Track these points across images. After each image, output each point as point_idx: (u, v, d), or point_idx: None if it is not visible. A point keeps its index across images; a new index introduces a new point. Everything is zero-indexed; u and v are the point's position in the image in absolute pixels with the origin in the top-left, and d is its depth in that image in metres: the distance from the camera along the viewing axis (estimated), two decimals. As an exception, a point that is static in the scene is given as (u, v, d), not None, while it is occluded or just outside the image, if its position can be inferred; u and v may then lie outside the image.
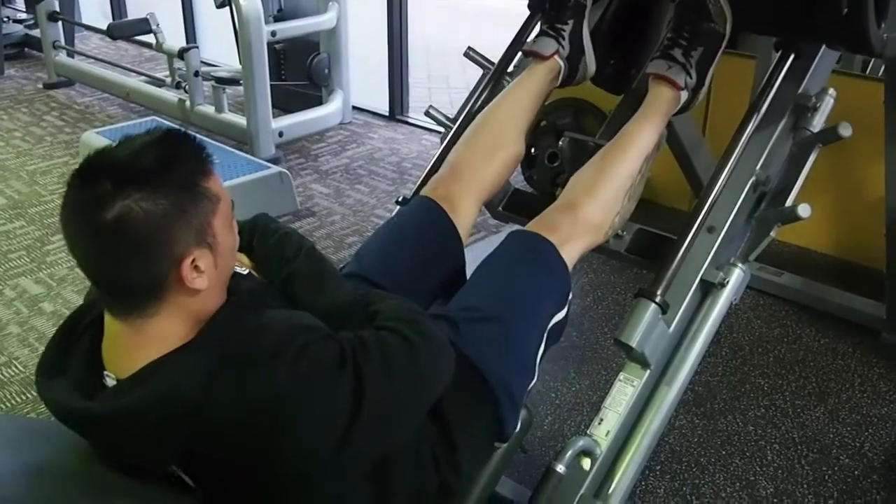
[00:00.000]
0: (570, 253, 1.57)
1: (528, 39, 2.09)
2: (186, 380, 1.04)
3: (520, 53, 2.10)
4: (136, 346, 1.09)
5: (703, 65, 1.70)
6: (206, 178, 1.10)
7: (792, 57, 1.69)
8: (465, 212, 1.70)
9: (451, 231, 1.67)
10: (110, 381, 1.10)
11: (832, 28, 1.56)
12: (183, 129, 1.14)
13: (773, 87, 1.68)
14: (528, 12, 2.09)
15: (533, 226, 1.62)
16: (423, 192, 1.73)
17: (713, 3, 1.62)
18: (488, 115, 1.84)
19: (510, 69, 2.10)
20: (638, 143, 1.67)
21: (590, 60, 1.85)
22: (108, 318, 1.12)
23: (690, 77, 1.70)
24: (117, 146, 1.08)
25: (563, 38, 1.82)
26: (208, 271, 1.09)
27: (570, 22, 1.81)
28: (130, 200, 1.01)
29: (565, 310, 1.56)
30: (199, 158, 1.11)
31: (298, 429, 1.06)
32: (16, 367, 2.58)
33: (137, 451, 1.08)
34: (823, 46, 1.72)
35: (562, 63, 1.83)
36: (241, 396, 1.04)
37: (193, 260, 1.07)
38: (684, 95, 1.72)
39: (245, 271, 1.31)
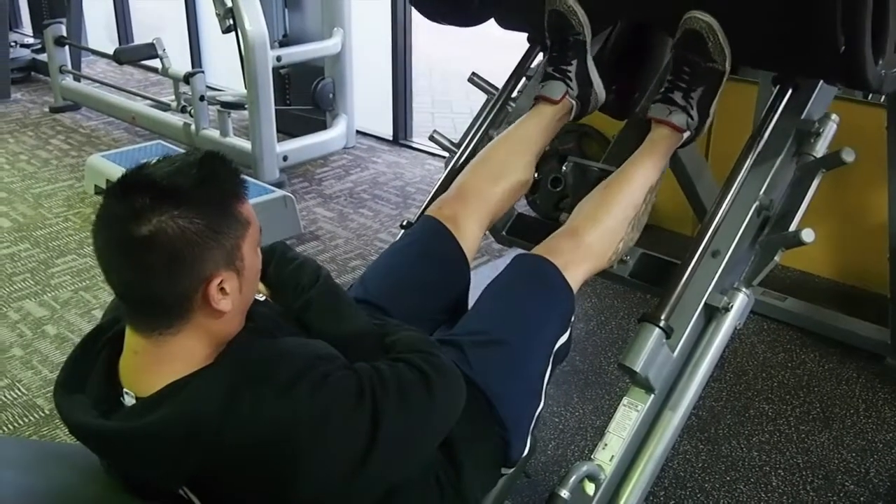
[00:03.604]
0: (574, 276, 1.58)
1: (534, 66, 2.12)
2: (205, 403, 1.05)
3: (524, 79, 2.12)
4: (156, 363, 1.09)
5: (704, 103, 1.71)
6: (239, 202, 1.12)
7: (790, 91, 1.70)
8: (469, 233, 1.71)
9: (458, 255, 1.67)
10: (129, 400, 1.11)
11: (829, 64, 1.56)
12: (221, 153, 1.15)
13: (772, 119, 1.69)
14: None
15: (537, 250, 1.62)
16: (429, 212, 1.74)
17: (712, 42, 1.62)
18: (499, 142, 1.86)
19: (514, 94, 2.12)
20: (640, 175, 1.70)
21: (599, 90, 1.86)
22: (129, 334, 1.12)
23: (692, 118, 1.72)
24: (157, 163, 1.10)
25: (571, 79, 1.83)
26: (233, 294, 1.10)
27: (574, 61, 1.82)
28: (167, 216, 1.03)
29: (568, 332, 1.56)
30: (235, 182, 1.13)
31: (314, 457, 1.07)
32: (19, 389, 2.58)
33: (150, 471, 1.09)
34: (821, 81, 1.73)
35: (573, 102, 1.86)
36: (259, 422, 1.04)
37: (221, 281, 1.08)
38: (687, 134, 1.74)
39: (262, 298, 1.32)
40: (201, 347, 1.11)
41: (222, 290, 1.08)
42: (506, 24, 2.11)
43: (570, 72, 1.83)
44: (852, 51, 1.46)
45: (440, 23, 2.22)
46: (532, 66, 2.13)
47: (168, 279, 1.05)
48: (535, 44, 2.10)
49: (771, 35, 1.66)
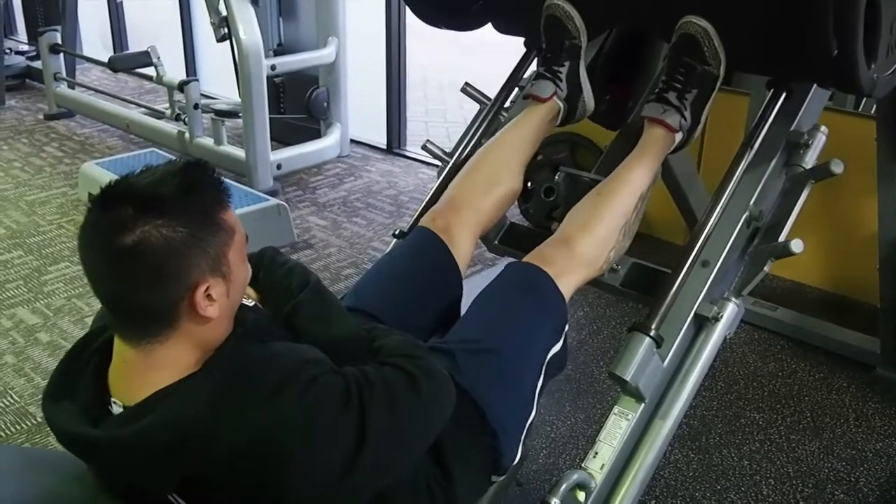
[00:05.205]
0: (566, 285, 1.58)
1: (526, 76, 2.13)
2: (193, 409, 1.05)
3: (516, 90, 2.13)
4: (144, 371, 1.10)
5: (697, 106, 1.72)
6: (223, 209, 1.12)
7: (784, 95, 1.71)
8: (463, 244, 1.71)
9: (451, 265, 1.68)
10: (116, 408, 1.11)
11: (823, 68, 1.58)
12: (203, 161, 1.16)
13: (765, 124, 1.70)
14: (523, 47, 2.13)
15: (529, 258, 1.62)
16: (422, 224, 1.75)
17: (708, 46, 1.64)
18: (488, 150, 1.86)
19: (506, 104, 2.13)
20: (632, 181, 1.69)
21: (588, 98, 1.86)
22: (117, 343, 1.13)
23: (685, 119, 1.72)
24: (139, 174, 1.10)
25: (561, 80, 1.83)
26: (220, 301, 1.11)
27: (567, 63, 1.83)
28: (151, 226, 1.03)
29: (561, 342, 1.56)
30: (218, 190, 1.13)
31: (302, 461, 1.07)
32: (11, 397, 2.58)
33: (140, 478, 1.09)
34: (815, 85, 1.75)
35: (560, 104, 1.85)
36: (247, 427, 1.05)
37: (207, 288, 1.08)
38: (679, 136, 1.74)
39: (251, 303, 1.32)
40: (189, 355, 1.11)
41: (209, 296, 1.09)
42: (503, 28, 2.12)
43: (560, 73, 1.83)
44: (844, 55, 1.48)
45: (437, 26, 2.22)
46: (524, 76, 2.14)
47: (154, 288, 1.06)
48: (531, 49, 2.11)
49: (764, 40, 1.67)
